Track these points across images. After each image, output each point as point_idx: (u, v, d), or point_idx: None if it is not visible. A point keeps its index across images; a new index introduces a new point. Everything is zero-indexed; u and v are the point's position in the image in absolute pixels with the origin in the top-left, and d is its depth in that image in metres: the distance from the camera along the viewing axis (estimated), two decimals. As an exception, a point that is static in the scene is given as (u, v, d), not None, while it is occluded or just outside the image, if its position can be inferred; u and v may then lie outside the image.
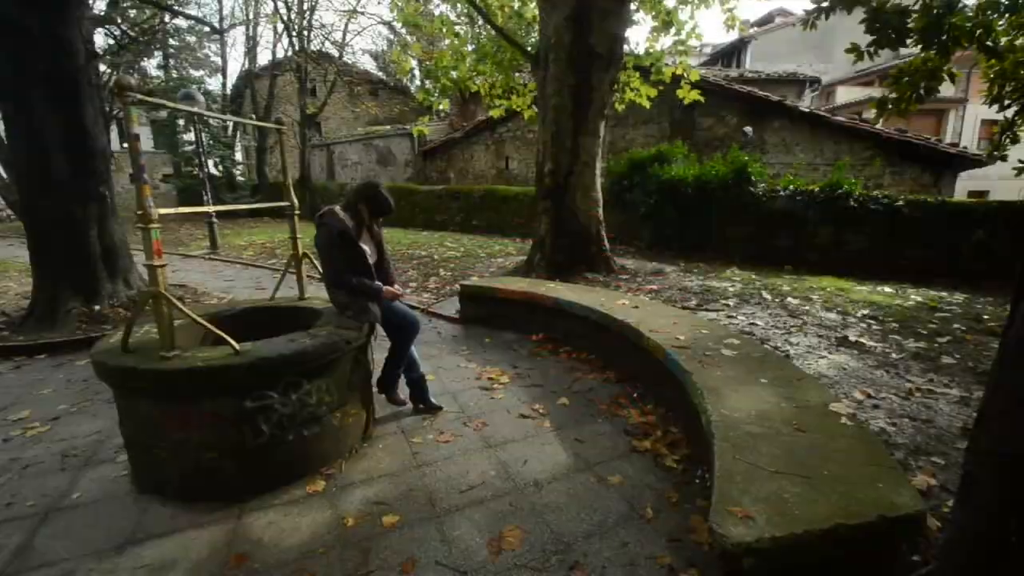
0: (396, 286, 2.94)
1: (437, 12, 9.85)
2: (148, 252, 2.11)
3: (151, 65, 20.83)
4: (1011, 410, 1.20)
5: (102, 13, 8.98)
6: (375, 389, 3.11)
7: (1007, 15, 3.43)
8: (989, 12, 3.36)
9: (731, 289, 5.41)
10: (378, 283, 2.79)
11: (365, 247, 2.80)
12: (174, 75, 20.45)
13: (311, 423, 2.39)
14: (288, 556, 1.92)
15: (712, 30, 69.61)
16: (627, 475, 2.41)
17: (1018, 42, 3.72)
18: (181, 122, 18.90)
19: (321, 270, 2.86)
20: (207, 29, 19.54)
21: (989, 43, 3.46)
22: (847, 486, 1.61)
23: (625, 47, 6.24)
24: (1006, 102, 3.90)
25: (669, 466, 2.47)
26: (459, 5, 7.83)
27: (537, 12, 6.45)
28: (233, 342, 2.22)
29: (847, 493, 1.58)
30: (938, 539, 1.79)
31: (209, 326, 2.29)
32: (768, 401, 2.24)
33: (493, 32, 7.09)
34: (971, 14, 3.35)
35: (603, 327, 3.68)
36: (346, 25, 15.82)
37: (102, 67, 11.74)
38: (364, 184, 2.83)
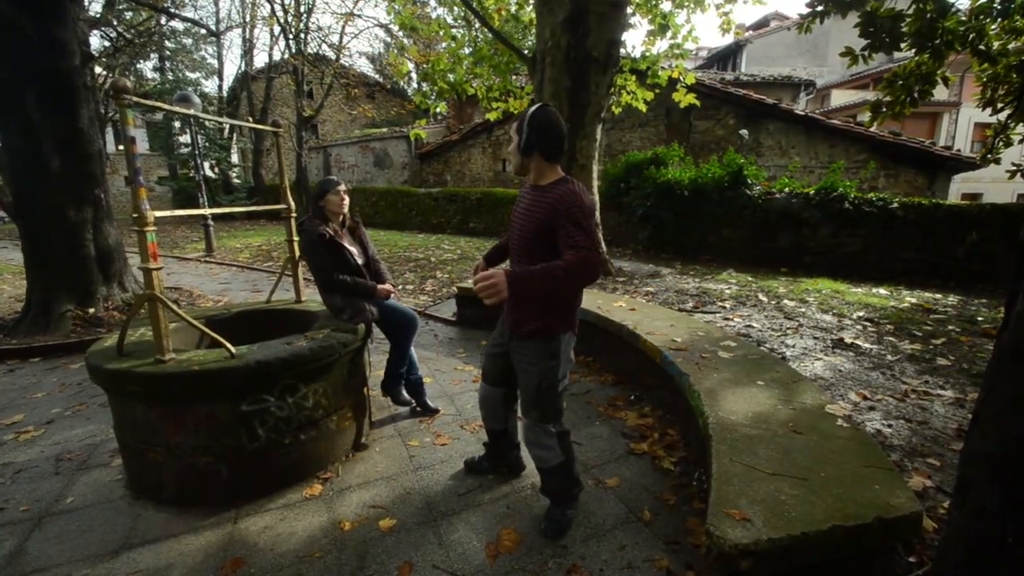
0: (388, 285, 2.95)
1: (434, 15, 9.87)
2: (143, 255, 2.10)
3: (147, 67, 20.88)
4: (1006, 411, 1.20)
5: (98, 15, 8.96)
6: (379, 392, 3.11)
7: (999, 20, 3.46)
8: (982, 17, 3.40)
9: (727, 291, 5.43)
10: (372, 281, 2.82)
11: (351, 248, 2.82)
12: (170, 77, 20.45)
13: (307, 427, 2.38)
14: (284, 561, 1.91)
15: (708, 34, 70.18)
16: (624, 477, 2.41)
17: (1010, 46, 3.75)
18: (177, 124, 18.85)
19: (312, 276, 2.87)
20: (203, 32, 19.58)
21: (982, 47, 3.50)
22: (843, 488, 1.62)
23: (621, 50, 6.26)
24: (999, 105, 3.93)
25: (666, 468, 2.47)
26: (456, 8, 7.83)
27: (534, 15, 6.47)
28: (229, 345, 2.21)
29: (843, 495, 1.58)
30: (934, 540, 1.79)
31: (204, 329, 2.29)
32: (764, 403, 2.24)
33: (490, 35, 7.10)
34: (964, 19, 3.39)
35: (600, 329, 3.68)
36: (343, 28, 15.71)
37: (98, 69, 11.70)
38: (314, 192, 2.88)
